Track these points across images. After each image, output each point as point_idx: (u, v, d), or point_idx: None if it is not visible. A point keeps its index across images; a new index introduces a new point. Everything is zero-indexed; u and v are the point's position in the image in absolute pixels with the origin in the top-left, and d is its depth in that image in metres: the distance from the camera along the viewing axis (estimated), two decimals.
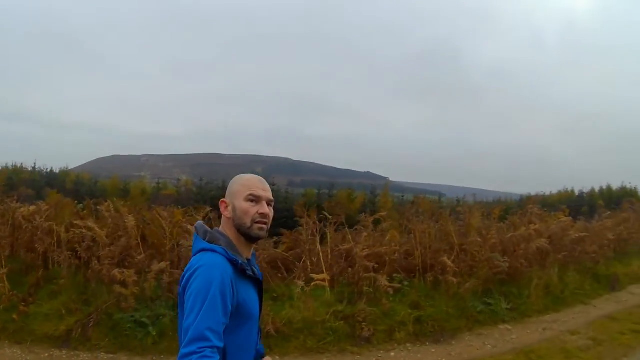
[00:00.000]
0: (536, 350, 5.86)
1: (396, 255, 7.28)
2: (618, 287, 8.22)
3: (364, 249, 7.12)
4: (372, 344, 6.05)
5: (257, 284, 1.61)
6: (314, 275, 7.04)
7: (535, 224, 7.72)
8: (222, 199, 1.62)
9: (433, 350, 6.14)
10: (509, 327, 6.80)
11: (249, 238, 1.58)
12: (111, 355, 5.13)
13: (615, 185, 19.35)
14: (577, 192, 20.56)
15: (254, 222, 1.56)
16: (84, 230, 6.66)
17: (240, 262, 1.49)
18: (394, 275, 7.32)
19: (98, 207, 7.90)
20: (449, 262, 6.87)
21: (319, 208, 8.09)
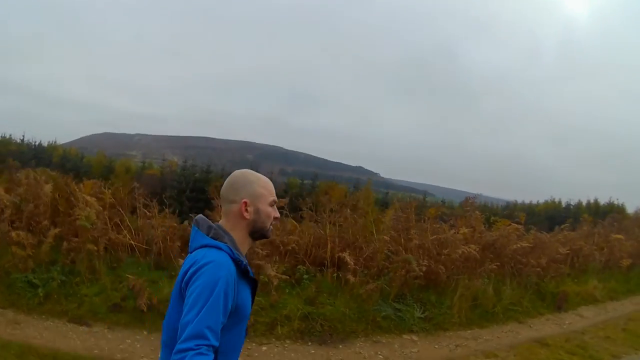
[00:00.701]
0: None
1: (294, 245, 6.23)
2: (565, 307, 6.93)
3: None
4: (247, 335, 5.05)
5: (253, 284, 1.57)
6: None
7: (466, 229, 6.52)
8: (245, 200, 1.53)
9: (313, 351, 5.32)
10: (415, 339, 5.65)
11: (261, 237, 1.60)
12: (0, 310, 5.19)
13: (602, 200, 18.12)
14: (563, 204, 19.43)
15: (271, 224, 1.59)
16: None
17: (244, 263, 1.47)
18: (298, 267, 6.32)
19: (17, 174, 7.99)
20: (348, 259, 5.77)
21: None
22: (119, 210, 6.87)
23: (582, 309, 7.16)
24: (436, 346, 5.54)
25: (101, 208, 6.57)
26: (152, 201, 7.30)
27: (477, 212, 7.08)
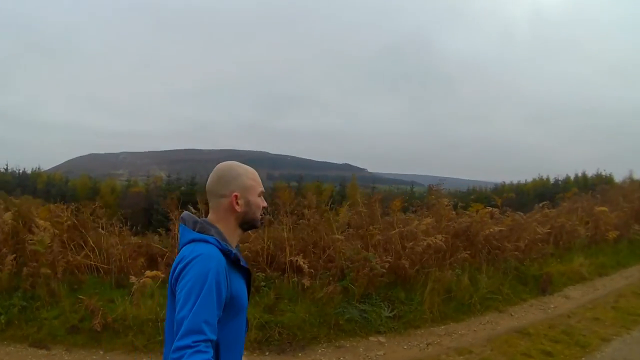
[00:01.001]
0: None
1: (246, 252, 5.76)
2: (550, 289, 6.40)
3: None
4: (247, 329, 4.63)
5: (247, 274, 1.55)
6: (147, 272, 5.67)
7: (429, 219, 5.98)
8: (235, 193, 1.51)
9: None
10: (382, 340, 5.14)
11: (251, 228, 1.59)
12: None
13: (590, 173, 17.53)
14: (552, 180, 18.92)
15: (260, 214, 1.59)
16: None
17: (233, 252, 1.45)
18: (258, 274, 5.84)
19: None
20: (302, 262, 5.28)
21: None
22: (81, 232, 6.68)
23: (569, 289, 6.63)
24: (405, 346, 5.02)
25: (57, 231, 6.40)
26: (111, 220, 7.11)
27: (444, 199, 6.54)
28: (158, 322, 5.10)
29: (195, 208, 6.64)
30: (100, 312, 5.21)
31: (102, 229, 6.84)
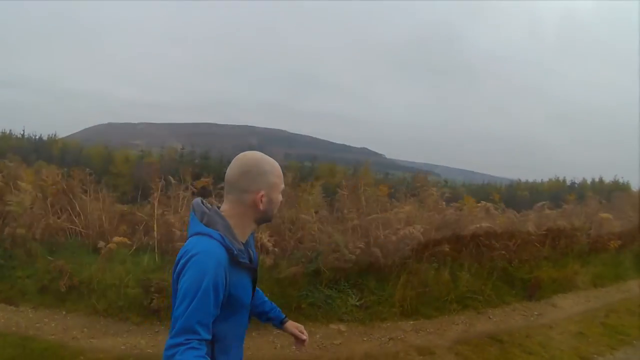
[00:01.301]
0: None
1: None
2: (537, 295, 5.93)
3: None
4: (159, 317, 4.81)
5: (252, 271, 1.49)
6: (115, 238, 5.53)
7: (408, 207, 5.54)
8: (262, 192, 1.44)
9: None
10: (343, 329, 4.82)
11: (266, 222, 1.55)
12: None
13: (607, 179, 16.73)
14: (568, 182, 18.16)
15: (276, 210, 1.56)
16: None
17: (235, 251, 1.37)
18: None
19: None
20: (266, 241, 4.94)
21: None
22: (69, 196, 6.74)
23: (558, 297, 6.13)
24: (365, 338, 4.70)
25: (40, 194, 6.60)
26: (97, 185, 7.19)
27: (433, 188, 6.07)
28: (121, 287, 5.14)
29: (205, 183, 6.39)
30: (68, 274, 5.28)
31: (89, 195, 6.89)
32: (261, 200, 1.44)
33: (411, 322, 5.11)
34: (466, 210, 6.03)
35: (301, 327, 1.85)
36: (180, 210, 6.17)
